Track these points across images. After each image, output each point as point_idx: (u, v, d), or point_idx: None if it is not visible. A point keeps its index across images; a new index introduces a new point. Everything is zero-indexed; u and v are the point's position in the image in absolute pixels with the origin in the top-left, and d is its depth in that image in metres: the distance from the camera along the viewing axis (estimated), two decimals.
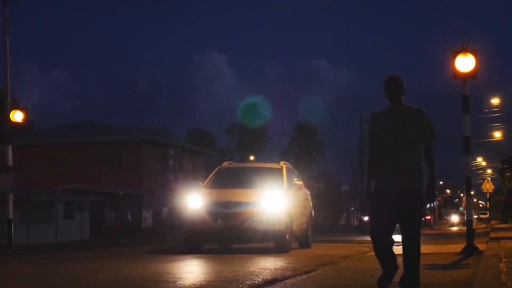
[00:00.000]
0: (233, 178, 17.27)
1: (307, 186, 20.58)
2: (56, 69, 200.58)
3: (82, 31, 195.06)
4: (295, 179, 18.07)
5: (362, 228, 41.36)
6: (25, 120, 24.48)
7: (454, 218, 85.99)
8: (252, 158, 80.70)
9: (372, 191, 6.87)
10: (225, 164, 18.41)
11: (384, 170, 6.75)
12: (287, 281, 9.14)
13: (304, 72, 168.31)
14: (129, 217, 44.15)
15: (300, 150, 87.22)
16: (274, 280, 9.12)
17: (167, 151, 48.61)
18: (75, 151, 46.96)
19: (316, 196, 66.49)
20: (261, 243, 16.50)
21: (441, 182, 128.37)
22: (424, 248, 16.95)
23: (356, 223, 73.49)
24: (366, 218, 41.05)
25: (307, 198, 18.73)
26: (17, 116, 24.26)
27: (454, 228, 60.18)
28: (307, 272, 10.56)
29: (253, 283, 8.72)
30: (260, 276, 9.59)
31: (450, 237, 32.24)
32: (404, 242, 6.76)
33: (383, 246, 6.79)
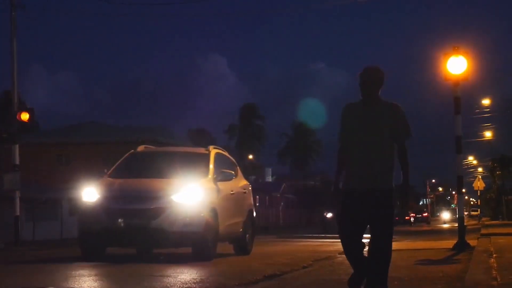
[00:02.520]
0: (146, 165, 13.48)
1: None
2: (61, 71, 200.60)
3: (86, 34, 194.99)
4: (229, 168, 13.85)
5: (324, 226, 35.73)
6: (31, 120, 24.48)
7: (446, 215, 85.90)
8: (251, 157, 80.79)
9: (340, 188, 6.22)
10: (141, 147, 14.38)
11: (354, 166, 6.11)
12: (285, 276, 9.17)
13: (302, 73, 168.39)
14: None
15: (298, 150, 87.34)
16: (272, 276, 9.14)
17: None
18: (80, 151, 46.99)
19: (313, 194, 67.00)
20: (178, 248, 12.91)
21: (433, 180, 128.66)
22: (417, 244, 17.05)
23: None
24: (329, 215, 34.75)
25: (245, 192, 14.55)
26: (23, 116, 24.25)
27: (446, 225, 60.09)
28: (304, 267, 10.60)
29: (254, 278, 8.73)
30: None
31: (442, 233, 32.28)
32: (373, 244, 6.09)
33: (352, 248, 6.10)
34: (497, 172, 63.44)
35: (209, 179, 12.75)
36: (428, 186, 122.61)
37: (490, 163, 65.25)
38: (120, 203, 11.81)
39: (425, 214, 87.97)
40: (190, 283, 8.14)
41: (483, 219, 66.82)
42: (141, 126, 53.02)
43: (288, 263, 11.36)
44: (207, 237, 11.91)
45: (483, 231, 24.34)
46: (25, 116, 24.29)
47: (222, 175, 13.08)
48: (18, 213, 24.12)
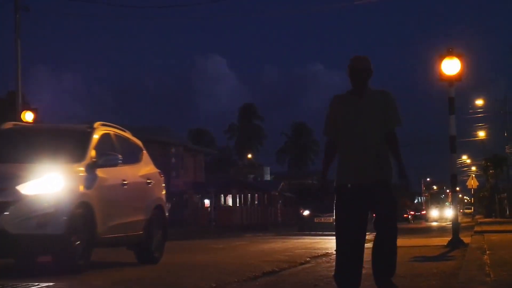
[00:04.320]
0: (9, 146, 9.97)
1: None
2: (65, 72, 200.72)
3: (89, 36, 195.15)
4: (131, 153, 10.89)
5: (300, 224, 32.29)
6: (35, 120, 24.49)
7: (434, 213, 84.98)
8: (250, 156, 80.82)
9: (335, 185, 5.77)
10: (8, 124, 10.56)
11: (348, 160, 5.72)
12: (283, 272, 9.16)
13: (301, 74, 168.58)
14: None
15: (296, 149, 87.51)
16: (271, 272, 9.13)
17: (170, 150, 48.59)
18: None
19: (309, 193, 66.97)
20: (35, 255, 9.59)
21: (428, 179, 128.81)
22: (412, 241, 17.03)
23: None
24: (306, 213, 31.14)
25: (149, 183, 11.03)
26: (27, 116, 24.26)
27: (434, 223, 59.93)
28: (301, 263, 10.59)
29: (253, 275, 8.71)
30: None
31: (438, 231, 32.28)
32: (380, 238, 5.68)
33: (354, 247, 5.65)
34: (490, 171, 63.43)
35: (83, 164, 9.28)
36: (423, 185, 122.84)
37: (483, 162, 65.25)
38: None
39: (423, 212, 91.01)
40: None
41: (477, 216, 66.85)
42: (143, 126, 53.00)
43: (286, 260, 11.34)
44: (71, 241, 8.62)
45: (477, 228, 24.32)
46: (29, 116, 24.29)
47: (103, 160, 9.59)
48: None
